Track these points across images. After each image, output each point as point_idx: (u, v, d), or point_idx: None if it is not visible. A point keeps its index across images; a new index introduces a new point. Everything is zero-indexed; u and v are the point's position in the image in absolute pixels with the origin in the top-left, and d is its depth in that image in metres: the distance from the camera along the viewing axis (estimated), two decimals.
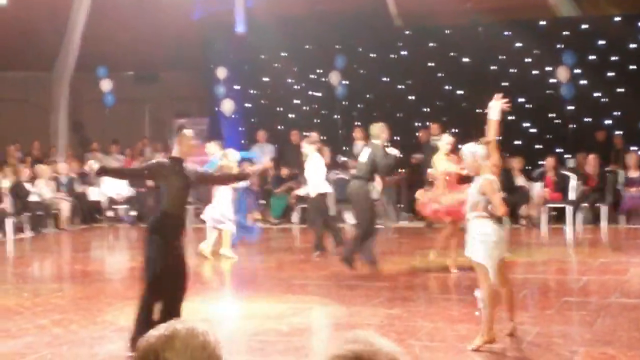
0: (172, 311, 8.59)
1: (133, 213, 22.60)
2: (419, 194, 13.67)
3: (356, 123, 22.59)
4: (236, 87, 24.98)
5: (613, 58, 21.62)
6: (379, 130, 13.48)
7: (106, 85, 25.10)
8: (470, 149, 8.68)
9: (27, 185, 20.82)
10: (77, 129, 26.90)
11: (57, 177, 22.25)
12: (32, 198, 20.67)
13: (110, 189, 22.62)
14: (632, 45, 21.50)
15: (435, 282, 12.51)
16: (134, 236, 20.68)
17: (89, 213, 22.88)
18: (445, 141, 13.45)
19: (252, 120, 24.83)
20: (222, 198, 15.44)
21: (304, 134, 22.42)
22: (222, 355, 2.45)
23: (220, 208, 15.39)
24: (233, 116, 24.65)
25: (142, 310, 8.66)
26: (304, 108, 24.13)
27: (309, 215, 16.09)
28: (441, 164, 13.16)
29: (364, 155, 13.53)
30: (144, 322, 8.36)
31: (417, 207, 13.99)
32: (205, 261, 15.14)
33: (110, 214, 22.74)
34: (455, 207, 12.69)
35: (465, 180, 12.46)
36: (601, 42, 21.73)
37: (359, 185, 13.40)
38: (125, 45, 23.99)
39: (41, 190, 21.11)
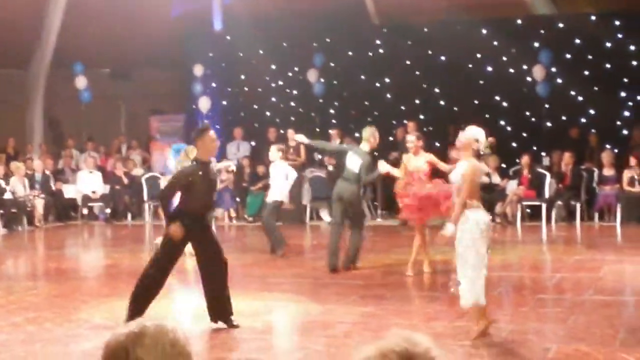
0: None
1: (108, 211, 22.50)
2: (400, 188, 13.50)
3: (333, 121, 22.63)
4: (213, 84, 24.94)
5: (589, 57, 21.72)
6: (369, 134, 13.53)
7: (82, 82, 24.98)
8: (475, 132, 8.75)
9: (1, 183, 20.68)
10: (53, 126, 26.78)
11: (31, 174, 22.11)
12: (6, 195, 20.54)
13: (85, 187, 22.51)
14: (608, 44, 21.61)
15: (410, 280, 12.52)
16: (109, 234, 20.63)
17: (63, 211, 22.76)
18: (410, 140, 13.35)
19: (229, 117, 24.80)
20: None
21: (281, 131, 22.47)
22: (192, 352, 2.44)
23: None
24: (209, 113, 24.61)
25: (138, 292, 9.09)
26: (281, 106, 24.11)
27: (262, 217, 16.10)
28: (411, 163, 13.07)
29: (354, 163, 13.46)
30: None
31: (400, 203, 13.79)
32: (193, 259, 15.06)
33: (85, 211, 22.63)
34: (422, 202, 12.63)
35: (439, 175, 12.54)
36: (577, 40, 21.83)
37: (351, 189, 13.47)
38: (101, 42, 23.90)
39: (15, 187, 20.99)
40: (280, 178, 15.59)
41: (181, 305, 11.18)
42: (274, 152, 15.84)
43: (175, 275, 14.07)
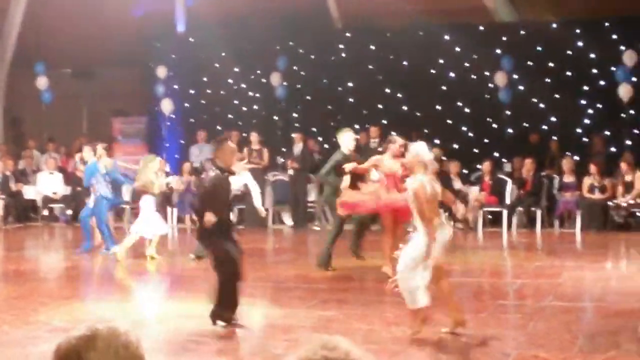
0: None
1: (69, 212, 22.32)
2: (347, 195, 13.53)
3: (295, 124, 22.61)
4: (175, 86, 24.83)
5: (550, 64, 21.89)
6: (346, 139, 13.73)
7: (43, 82, 24.77)
8: (416, 148, 8.86)
9: None
10: (13, 126, 26.53)
11: None
12: None
13: (46, 188, 22.32)
14: (569, 52, 21.77)
15: (371, 285, 12.54)
16: (70, 235, 20.46)
17: (23, 212, 22.55)
18: (397, 141, 13.37)
19: (191, 120, 24.71)
20: (148, 208, 15.23)
21: (244, 134, 22.42)
22: (144, 355, 2.42)
23: (148, 219, 15.17)
24: (172, 116, 24.51)
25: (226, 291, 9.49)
26: (244, 109, 24.06)
27: None
28: (385, 165, 13.06)
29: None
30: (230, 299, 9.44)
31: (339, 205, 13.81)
32: (152, 262, 14.98)
33: (45, 213, 22.42)
34: (389, 205, 12.68)
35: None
36: (539, 48, 21.98)
37: (325, 189, 13.73)
38: (63, 42, 23.72)
39: None
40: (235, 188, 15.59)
41: (138, 309, 11.11)
42: (239, 165, 15.83)
43: (136, 277, 14.04)
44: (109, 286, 13.33)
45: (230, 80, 24.09)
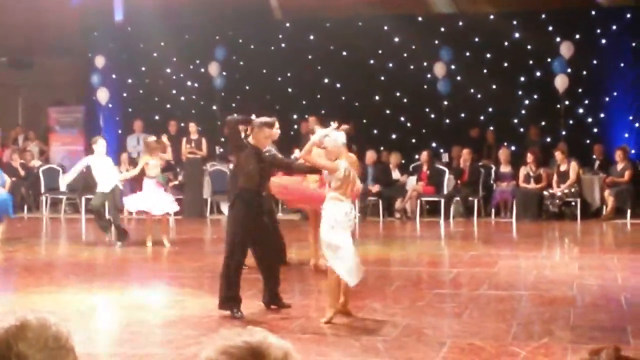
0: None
1: None
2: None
3: (234, 115, 22.52)
4: (114, 76, 24.59)
5: (488, 55, 22.11)
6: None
7: None
8: (334, 135, 9.18)
9: None
10: None
11: None
12: None
13: None
14: (506, 43, 22.00)
15: (310, 274, 12.57)
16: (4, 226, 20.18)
17: None
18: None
19: (129, 109, 24.52)
20: None
21: (182, 124, 22.33)
22: (74, 346, 2.40)
23: None
24: (109, 105, 24.29)
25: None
26: (182, 98, 23.94)
27: (110, 210, 16.14)
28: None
29: None
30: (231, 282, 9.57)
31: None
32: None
33: None
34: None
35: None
36: (476, 39, 22.17)
37: None
38: None
39: None
40: (107, 171, 15.76)
41: (79, 299, 11.00)
42: (101, 146, 15.94)
43: (74, 269, 13.91)
44: (40, 277, 13.19)
45: (168, 70, 23.98)
